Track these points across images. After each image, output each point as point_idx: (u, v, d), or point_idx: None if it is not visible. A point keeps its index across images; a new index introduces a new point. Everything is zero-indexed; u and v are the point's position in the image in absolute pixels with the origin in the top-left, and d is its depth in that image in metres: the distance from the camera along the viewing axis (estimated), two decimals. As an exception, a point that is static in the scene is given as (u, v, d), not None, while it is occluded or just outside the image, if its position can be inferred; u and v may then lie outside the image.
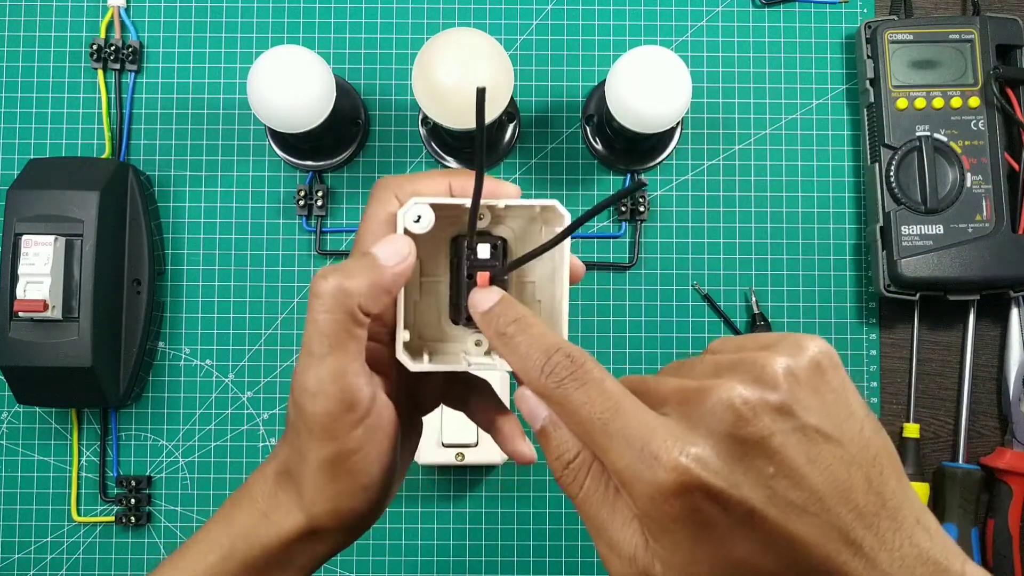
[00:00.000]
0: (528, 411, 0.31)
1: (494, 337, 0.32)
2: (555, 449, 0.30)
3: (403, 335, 0.34)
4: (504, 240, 0.36)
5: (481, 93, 0.31)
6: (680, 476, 0.26)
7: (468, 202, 0.33)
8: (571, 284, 0.36)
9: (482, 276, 0.34)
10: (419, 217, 0.34)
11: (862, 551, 0.26)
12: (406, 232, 0.34)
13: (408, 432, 0.38)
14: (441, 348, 0.38)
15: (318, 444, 0.32)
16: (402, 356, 0.34)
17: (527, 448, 0.39)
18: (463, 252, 0.35)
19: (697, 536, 0.27)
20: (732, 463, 0.26)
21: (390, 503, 0.37)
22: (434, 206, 0.34)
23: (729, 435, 0.26)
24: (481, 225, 0.36)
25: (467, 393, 0.40)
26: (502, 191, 0.35)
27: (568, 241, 0.34)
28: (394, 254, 0.33)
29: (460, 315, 0.35)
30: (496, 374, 0.61)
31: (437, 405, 0.40)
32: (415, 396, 0.39)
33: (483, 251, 0.35)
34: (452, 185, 0.36)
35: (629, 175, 0.68)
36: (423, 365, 0.34)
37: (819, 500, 0.26)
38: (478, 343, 0.37)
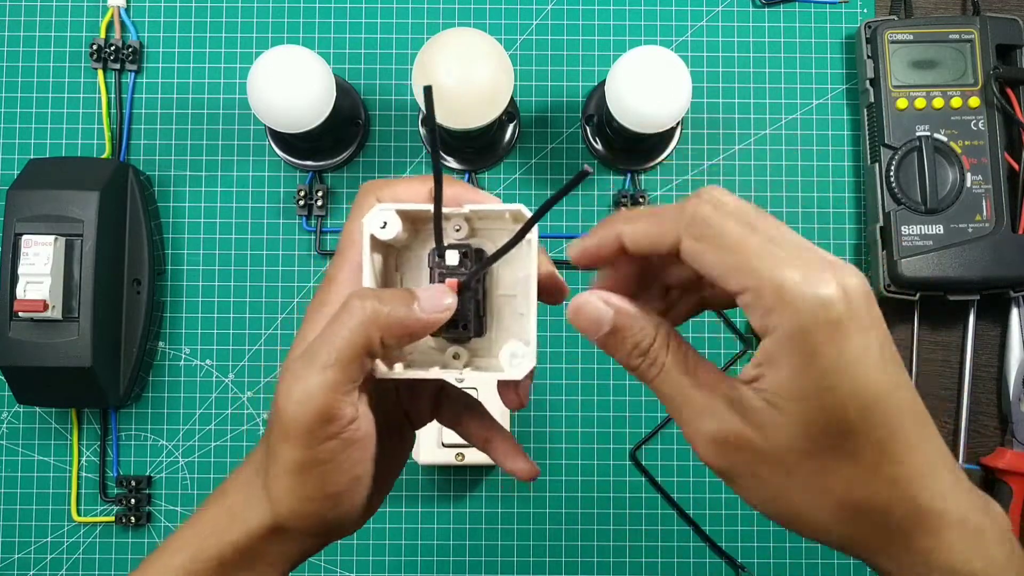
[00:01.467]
0: (594, 315, 0.32)
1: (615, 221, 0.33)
2: (632, 339, 0.32)
3: None
4: (473, 248, 0.35)
5: (428, 91, 0.31)
6: (858, 280, 0.29)
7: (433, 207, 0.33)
8: (555, 302, 0.36)
9: (451, 283, 0.33)
10: (385, 223, 0.33)
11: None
12: (372, 238, 0.33)
13: (395, 445, 0.38)
14: (419, 359, 0.37)
15: (290, 447, 0.32)
16: (375, 363, 0.33)
17: (526, 464, 0.39)
18: (433, 260, 0.34)
19: (841, 350, 0.28)
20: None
21: (372, 513, 0.37)
22: (409, 214, 0.33)
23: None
24: (458, 236, 0.36)
25: (459, 410, 0.40)
26: (477, 198, 0.35)
27: (534, 250, 0.33)
28: (435, 306, 0.33)
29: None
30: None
31: (428, 421, 0.40)
32: (407, 410, 0.39)
33: (452, 258, 0.34)
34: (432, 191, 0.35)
35: (629, 175, 0.68)
36: (393, 372, 0.34)
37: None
38: (456, 355, 0.36)
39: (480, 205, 0.34)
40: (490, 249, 0.36)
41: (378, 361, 0.33)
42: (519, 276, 0.35)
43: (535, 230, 0.33)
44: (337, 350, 0.31)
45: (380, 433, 0.34)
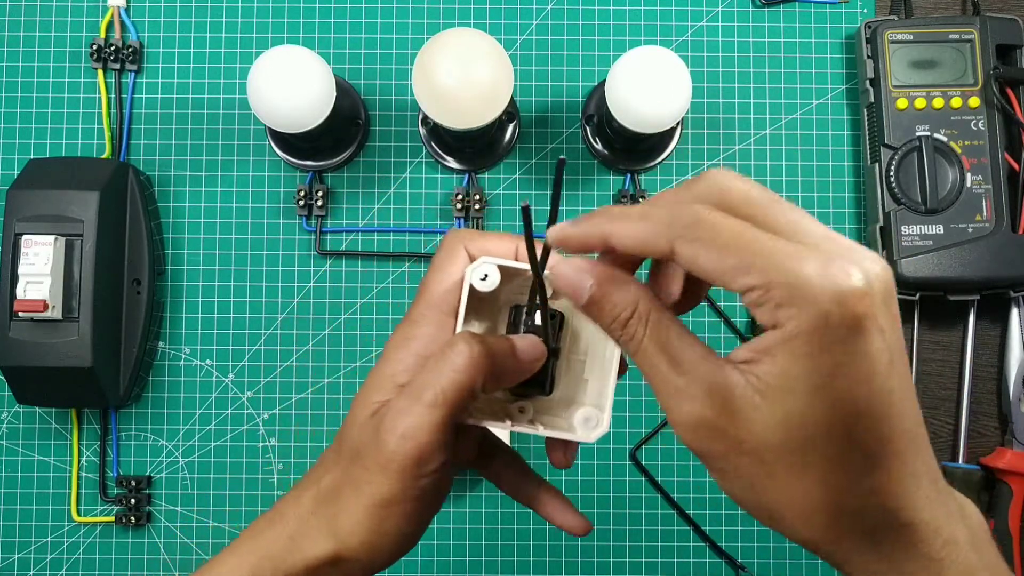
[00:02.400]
0: (571, 283, 0.31)
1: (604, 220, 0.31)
2: (611, 311, 0.31)
3: None
4: (561, 314, 0.36)
5: (527, 211, 0.31)
6: (882, 272, 0.27)
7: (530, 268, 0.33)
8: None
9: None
10: (486, 276, 0.34)
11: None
12: (471, 289, 0.34)
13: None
14: (484, 410, 0.38)
15: (383, 480, 0.32)
16: None
17: (578, 520, 0.39)
18: (521, 318, 0.35)
19: (854, 351, 0.27)
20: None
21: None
22: (501, 268, 0.34)
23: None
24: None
25: (500, 465, 0.40)
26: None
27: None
28: (532, 355, 0.34)
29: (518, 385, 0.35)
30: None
31: (467, 467, 0.40)
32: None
33: (540, 318, 0.35)
34: (519, 249, 0.36)
35: (629, 175, 0.68)
36: (469, 419, 0.35)
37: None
38: (522, 409, 0.37)
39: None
40: (568, 312, 0.37)
41: None
42: (594, 343, 0.37)
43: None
44: (443, 389, 0.32)
45: None
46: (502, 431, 0.36)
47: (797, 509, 0.29)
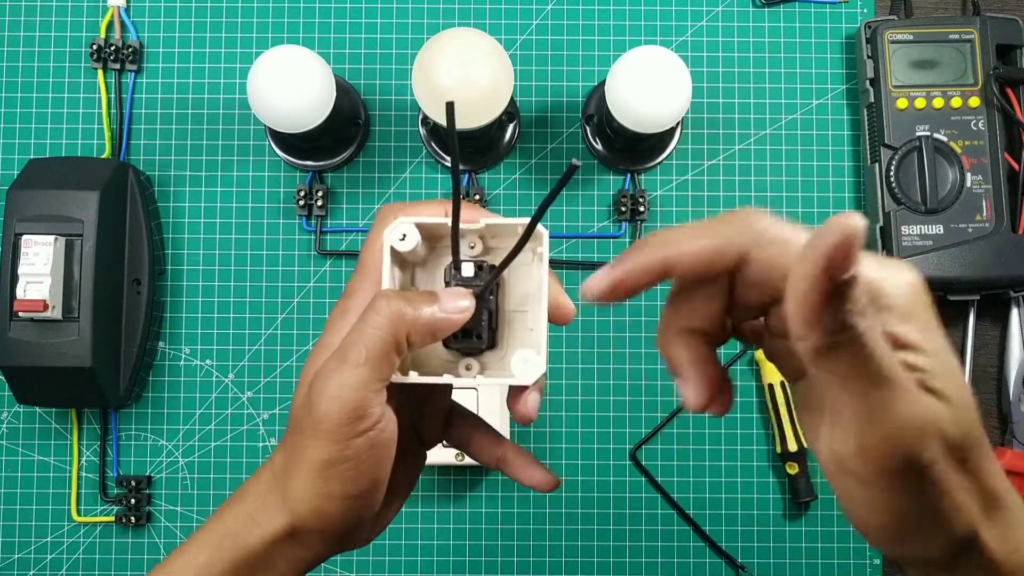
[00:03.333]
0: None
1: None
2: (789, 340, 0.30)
3: None
4: (487, 264, 0.37)
5: (450, 107, 0.31)
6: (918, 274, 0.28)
7: (450, 221, 0.34)
8: (563, 323, 0.37)
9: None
10: (404, 236, 0.35)
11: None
12: (392, 250, 0.35)
13: (408, 463, 0.39)
14: (433, 370, 0.38)
15: (318, 444, 0.33)
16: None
17: (544, 475, 0.40)
18: (450, 274, 0.36)
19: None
20: None
21: (383, 528, 0.38)
22: (420, 227, 0.35)
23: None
24: (472, 253, 0.37)
25: (469, 431, 0.41)
26: (491, 219, 0.36)
27: (545, 261, 0.35)
28: (455, 307, 0.34)
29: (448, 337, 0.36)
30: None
31: (439, 440, 0.41)
32: (419, 429, 0.40)
33: (467, 270, 0.36)
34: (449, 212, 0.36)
35: (629, 175, 0.68)
36: (408, 378, 0.35)
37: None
38: (468, 367, 0.37)
39: (494, 220, 0.36)
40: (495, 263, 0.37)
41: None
42: (531, 290, 0.37)
43: (546, 242, 0.35)
44: (367, 348, 0.32)
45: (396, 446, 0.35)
46: (450, 387, 0.36)
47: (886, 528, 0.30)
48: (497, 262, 0.37)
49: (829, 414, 0.29)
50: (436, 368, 0.38)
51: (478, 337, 0.36)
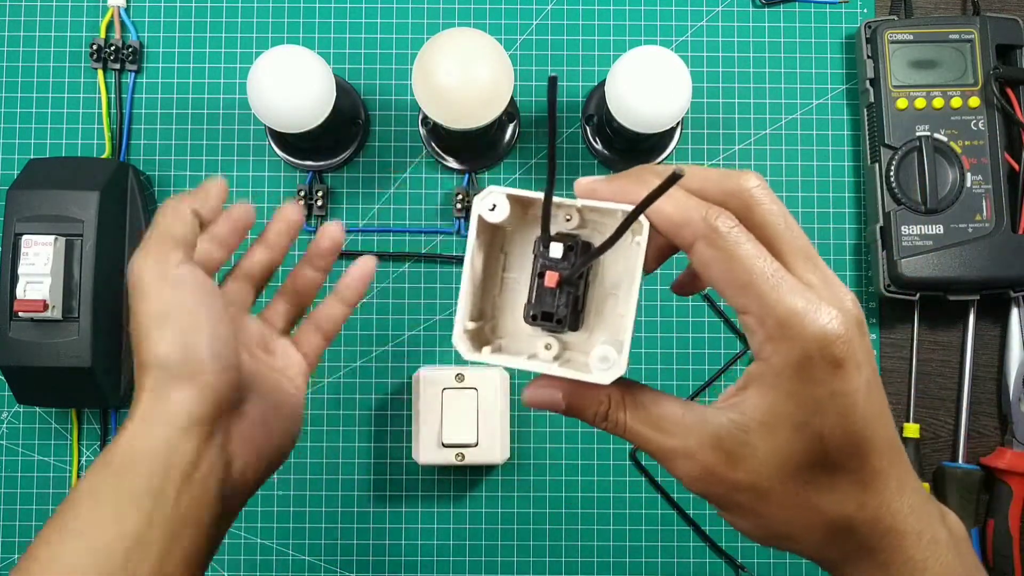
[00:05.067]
0: (547, 397, 0.34)
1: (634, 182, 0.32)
2: (590, 407, 0.34)
3: (463, 323, 0.34)
4: (580, 241, 0.34)
5: (553, 82, 0.29)
6: (855, 308, 0.30)
7: (543, 195, 0.32)
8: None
9: (551, 275, 0.33)
10: (494, 206, 0.33)
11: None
12: (480, 219, 0.33)
13: (267, 355, 0.46)
14: (511, 345, 0.36)
15: (141, 306, 0.40)
16: (458, 342, 0.33)
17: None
18: (538, 250, 0.34)
19: (835, 387, 0.30)
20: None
21: (296, 430, 0.44)
22: (511, 197, 0.33)
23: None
24: (569, 226, 0.35)
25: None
26: (626, 196, 0.34)
27: (641, 251, 0.33)
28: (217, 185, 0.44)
29: (529, 314, 0.34)
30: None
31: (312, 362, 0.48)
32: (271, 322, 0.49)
33: (556, 250, 0.34)
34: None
35: (629, 175, 0.68)
36: (478, 356, 0.34)
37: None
38: (548, 346, 0.35)
39: (591, 201, 0.33)
40: (598, 243, 0.34)
41: (462, 343, 0.34)
42: (623, 278, 0.35)
43: (646, 233, 0.32)
44: (150, 235, 0.41)
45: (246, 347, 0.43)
46: (518, 366, 0.34)
47: (798, 532, 0.32)
48: (593, 237, 0.35)
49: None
50: (516, 340, 0.36)
51: (559, 322, 0.34)
